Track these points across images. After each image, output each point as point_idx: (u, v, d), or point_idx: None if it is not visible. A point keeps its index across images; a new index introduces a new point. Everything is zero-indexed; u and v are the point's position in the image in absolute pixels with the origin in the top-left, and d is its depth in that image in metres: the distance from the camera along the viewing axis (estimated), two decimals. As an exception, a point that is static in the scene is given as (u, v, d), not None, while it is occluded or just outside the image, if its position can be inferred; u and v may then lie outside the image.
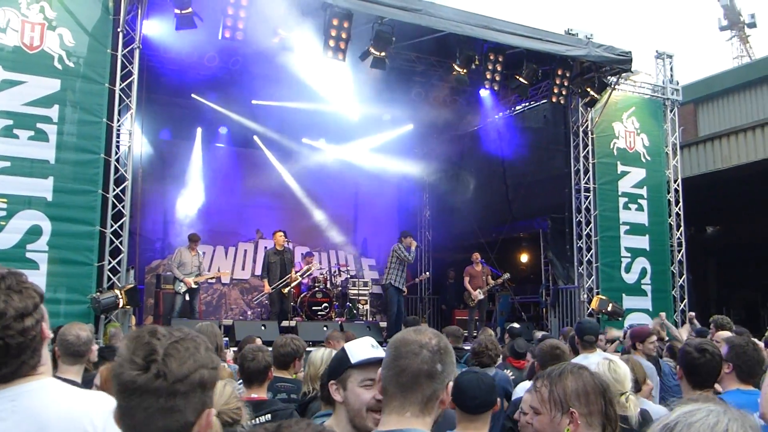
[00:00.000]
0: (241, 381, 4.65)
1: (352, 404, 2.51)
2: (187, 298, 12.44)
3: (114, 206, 9.93)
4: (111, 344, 7.68)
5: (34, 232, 9.18)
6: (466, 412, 3.51)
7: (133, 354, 1.57)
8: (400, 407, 2.00)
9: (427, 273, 16.30)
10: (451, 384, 2.05)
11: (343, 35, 11.16)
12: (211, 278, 14.14)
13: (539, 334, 10.53)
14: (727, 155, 15.98)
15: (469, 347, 8.15)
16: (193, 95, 14.21)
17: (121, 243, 9.97)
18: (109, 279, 9.79)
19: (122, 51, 10.16)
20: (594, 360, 5.55)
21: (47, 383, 1.97)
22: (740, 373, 3.87)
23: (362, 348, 2.60)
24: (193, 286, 12.51)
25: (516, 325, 11.24)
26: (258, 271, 16.86)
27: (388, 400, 2.04)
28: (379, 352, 2.56)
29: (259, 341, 6.62)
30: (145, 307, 14.49)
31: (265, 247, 14.54)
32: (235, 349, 8.36)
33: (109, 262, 9.82)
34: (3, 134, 9.18)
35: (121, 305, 9.56)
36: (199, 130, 15.67)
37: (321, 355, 4.53)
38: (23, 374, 1.89)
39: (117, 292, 9.51)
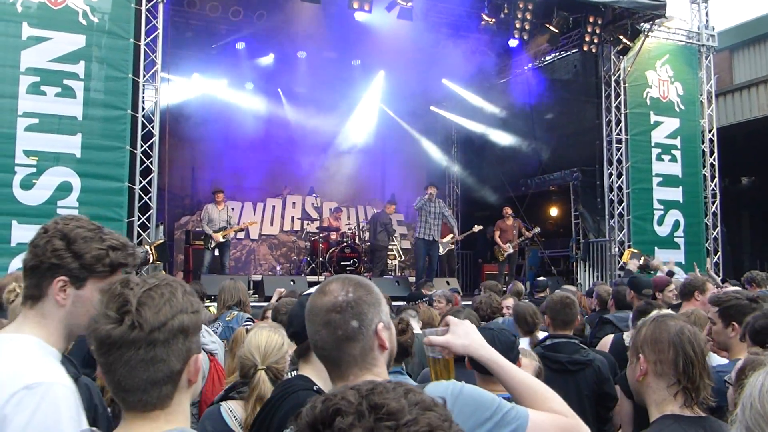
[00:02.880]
0: None
1: None
2: (217, 253, 12.45)
3: (142, 162, 9.98)
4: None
5: (65, 189, 9.27)
6: (478, 371, 3.42)
7: (106, 307, 1.51)
8: (339, 374, 1.90)
9: (480, 226, 15.76)
10: (381, 325, 1.89)
11: (369, -15, 10.96)
12: (240, 230, 14.05)
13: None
14: (764, 103, 15.54)
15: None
16: (214, 45, 14.05)
17: (149, 199, 10.03)
18: (139, 235, 9.88)
19: (146, 5, 10.10)
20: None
21: (11, 339, 1.93)
22: None
23: None
24: (221, 240, 12.45)
25: (541, 278, 11.11)
26: (286, 227, 16.99)
27: (327, 369, 1.94)
28: None
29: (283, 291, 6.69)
30: (175, 263, 14.64)
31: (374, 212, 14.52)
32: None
33: (139, 218, 9.90)
34: (31, 91, 9.21)
35: (151, 261, 9.65)
36: (224, 84, 15.56)
37: None
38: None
39: (147, 247, 9.59)
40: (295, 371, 2.65)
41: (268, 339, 3.26)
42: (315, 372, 2.46)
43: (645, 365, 2.33)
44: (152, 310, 1.49)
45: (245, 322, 5.64)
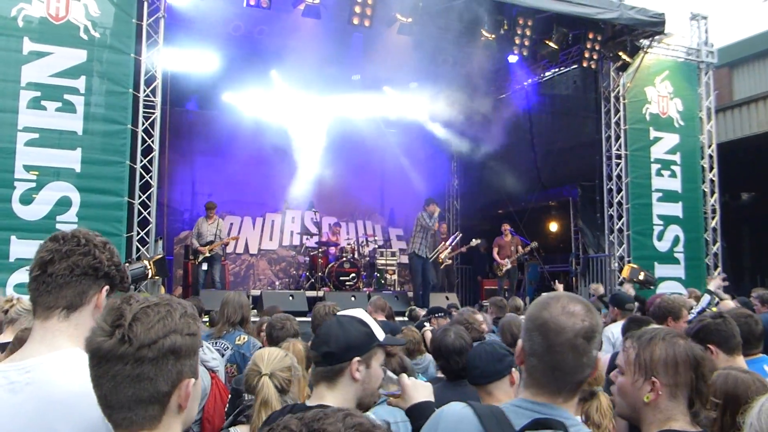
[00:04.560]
0: None
1: (371, 384, 2.41)
2: (204, 268, 12.45)
3: (141, 177, 9.97)
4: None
5: (64, 204, 9.26)
6: (471, 383, 3.43)
7: (103, 320, 1.51)
8: (553, 393, 1.89)
9: (479, 240, 15.63)
10: (600, 353, 1.94)
11: (369, 1, 11.03)
12: (223, 244, 14.00)
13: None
14: (764, 119, 15.57)
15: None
16: (215, 60, 14.06)
17: (149, 214, 10.02)
18: (138, 250, 9.86)
19: (147, 20, 10.12)
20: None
21: (69, 354, 1.84)
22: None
23: (378, 326, 2.51)
24: (207, 254, 12.47)
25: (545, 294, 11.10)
26: (285, 242, 16.94)
27: (537, 384, 1.92)
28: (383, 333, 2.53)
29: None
30: (174, 278, 14.60)
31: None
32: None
33: (138, 233, 9.88)
34: (31, 106, 9.22)
35: (150, 276, 9.61)
36: (224, 100, 15.59)
37: None
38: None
39: (146, 262, 9.55)
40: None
41: (270, 351, 3.31)
42: (339, 399, 2.36)
43: (659, 388, 2.25)
44: (144, 327, 1.48)
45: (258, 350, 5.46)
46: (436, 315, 7.64)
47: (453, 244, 15.27)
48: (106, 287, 1.97)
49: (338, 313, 2.59)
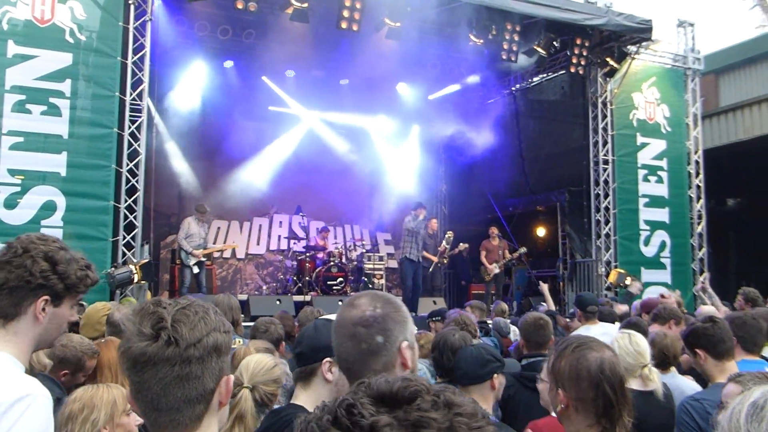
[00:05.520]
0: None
1: (346, 385, 2.39)
2: (196, 271, 12.34)
3: (128, 181, 9.91)
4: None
5: (49, 208, 9.18)
6: (458, 383, 3.48)
7: (140, 325, 1.51)
8: None
9: (466, 244, 15.62)
10: (406, 343, 1.90)
11: (358, 5, 11.02)
12: (220, 250, 13.90)
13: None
14: (750, 126, 15.66)
15: (491, 321, 8.17)
16: (203, 64, 14.00)
17: (135, 218, 9.95)
18: (124, 254, 9.79)
19: (134, 24, 10.07)
20: (595, 332, 5.52)
21: None
22: (744, 344, 3.89)
23: None
24: (202, 258, 12.36)
25: (543, 304, 11.11)
26: (273, 246, 16.88)
27: (349, 379, 1.96)
28: None
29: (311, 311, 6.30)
30: (160, 282, 14.50)
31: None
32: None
33: (124, 237, 9.81)
34: (16, 109, 9.14)
35: (136, 280, 9.55)
36: (212, 104, 15.49)
37: None
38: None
39: (132, 267, 9.49)
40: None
41: (258, 360, 3.24)
42: (312, 399, 2.39)
43: (565, 401, 2.26)
44: (188, 327, 1.50)
45: None
46: (434, 319, 7.69)
47: (449, 245, 15.22)
48: (45, 297, 1.98)
49: (321, 317, 2.66)
